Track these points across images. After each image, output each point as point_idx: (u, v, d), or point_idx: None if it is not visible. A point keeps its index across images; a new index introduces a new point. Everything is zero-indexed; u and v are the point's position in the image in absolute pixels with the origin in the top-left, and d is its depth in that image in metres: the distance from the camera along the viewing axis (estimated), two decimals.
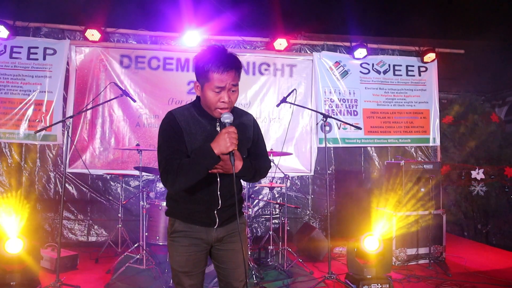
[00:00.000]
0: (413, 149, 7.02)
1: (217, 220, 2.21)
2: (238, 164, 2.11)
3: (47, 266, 4.68)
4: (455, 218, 7.37)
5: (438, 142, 7.04)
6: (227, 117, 2.05)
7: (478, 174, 7.04)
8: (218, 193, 2.18)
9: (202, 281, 2.32)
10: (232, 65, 2.06)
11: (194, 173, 2.02)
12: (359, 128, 4.74)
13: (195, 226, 2.22)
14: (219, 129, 2.14)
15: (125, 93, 4.39)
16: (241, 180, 2.42)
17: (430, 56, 6.84)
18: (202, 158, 2.01)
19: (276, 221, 6.32)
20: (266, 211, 6.48)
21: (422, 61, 6.95)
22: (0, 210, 5.83)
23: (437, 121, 7.05)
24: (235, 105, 2.30)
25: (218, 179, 2.17)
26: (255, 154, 2.33)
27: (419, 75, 7.02)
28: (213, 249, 2.31)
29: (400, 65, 6.98)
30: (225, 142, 1.98)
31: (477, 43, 7.73)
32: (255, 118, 2.41)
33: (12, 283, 3.78)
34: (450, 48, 7.17)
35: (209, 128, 2.14)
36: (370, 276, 4.19)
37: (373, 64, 6.88)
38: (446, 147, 7.51)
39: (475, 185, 7.10)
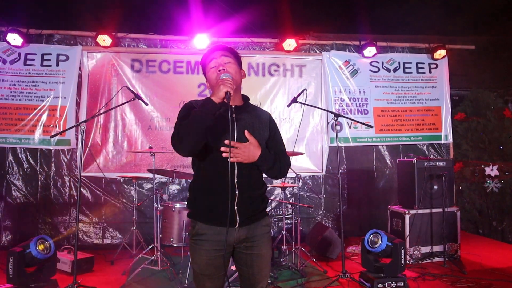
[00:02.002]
0: (425, 146, 6.97)
1: (238, 217, 2.16)
2: (257, 151, 2.17)
3: (64, 269, 4.75)
4: (470, 215, 7.31)
5: (450, 139, 6.98)
6: (224, 75, 2.17)
7: (492, 170, 6.97)
8: (235, 180, 2.13)
9: (223, 284, 2.29)
10: (219, 47, 2.35)
11: (197, 122, 2.05)
12: (371, 126, 4.73)
13: (216, 228, 2.17)
14: (230, 114, 2.12)
15: (137, 96, 4.44)
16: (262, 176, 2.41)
17: (441, 53, 6.79)
18: (202, 106, 2.08)
19: (289, 221, 6.32)
20: (279, 211, 6.50)
21: (433, 58, 6.90)
22: (18, 214, 5.98)
23: (449, 118, 6.98)
24: (252, 103, 2.42)
25: (236, 169, 2.15)
26: (273, 150, 2.34)
27: (430, 72, 6.97)
28: (235, 251, 2.27)
29: (410, 63, 6.94)
30: (218, 87, 2.08)
31: (488, 39, 7.68)
32: (277, 127, 2.49)
33: (32, 285, 3.86)
34: (461, 44, 7.11)
35: (222, 111, 2.16)
36: (384, 275, 4.19)
37: (382, 62, 6.86)
38: (459, 144, 7.46)
39: (489, 182, 7.04)
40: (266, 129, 2.35)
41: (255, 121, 2.31)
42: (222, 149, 2.11)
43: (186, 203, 4.69)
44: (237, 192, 2.14)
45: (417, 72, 6.95)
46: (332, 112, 4.45)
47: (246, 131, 2.17)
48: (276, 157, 2.30)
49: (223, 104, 2.10)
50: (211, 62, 2.30)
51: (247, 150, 2.14)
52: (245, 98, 2.41)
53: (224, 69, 2.23)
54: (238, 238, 2.21)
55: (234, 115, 2.21)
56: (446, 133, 6.97)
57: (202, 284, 2.24)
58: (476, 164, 7.17)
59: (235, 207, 2.15)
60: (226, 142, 2.10)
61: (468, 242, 6.19)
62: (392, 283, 4.11)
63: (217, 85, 2.10)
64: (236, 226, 2.18)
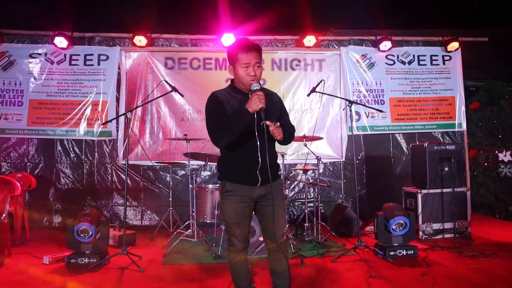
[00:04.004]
0: (440, 134, 7.32)
1: (260, 179, 2.73)
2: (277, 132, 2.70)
3: (111, 243, 5.35)
4: (485, 200, 7.62)
5: (464, 127, 7.29)
6: (255, 85, 2.66)
7: (505, 156, 7.30)
8: (259, 154, 2.69)
9: (248, 232, 2.87)
10: (252, 47, 2.71)
11: (235, 128, 2.61)
12: (382, 111, 5.10)
13: (242, 186, 2.76)
14: (264, 125, 2.65)
15: (174, 89, 5.03)
16: (275, 151, 2.96)
17: (454, 45, 7.13)
18: (240, 116, 2.62)
19: (311, 204, 6.80)
20: (302, 195, 7.00)
21: (446, 51, 7.25)
22: (67, 198, 6.67)
23: (463, 107, 7.31)
24: (264, 87, 2.91)
25: (258, 144, 2.68)
26: (283, 123, 2.87)
27: (444, 63, 7.33)
28: (257, 205, 2.84)
29: (425, 55, 7.31)
30: (255, 101, 2.58)
31: (500, 31, 7.97)
32: (283, 104, 3.07)
33: (86, 252, 4.51)
34: (474, 37, 7.44)
35: (244, 100, 2.70)
36: (396, 244, 4.66)
37: (398, 56, 7.26)
38: (473, 132, 7.78)
39: (503, 167, 7.36)
40: (278, 109, 2.92)
41: (270, 105, 2.79)
42: (271, 126, 2.65)
43: (217, 185, 5.27)
44: (260, 162, 2.69)
45: (431, 64, 7.32)
46: (346, 99, 4.94)
47: (262, 123, 2.66)
48: (286, 130, 2.82)
49: (257, 113, 2.60)
50: (245, 59, 2.67)
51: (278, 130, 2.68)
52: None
53: (254, 75, 2.70)
54: (259, 194, 2.78)
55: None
56: (460, 121, 7.29)
57: (233, 232, 2.80)
58: (489, 150, 7.50)
59: (257, 172, 2.72)
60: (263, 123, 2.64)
61: (481, 222, 6.52)
62: (403, 250, 4.59)
63: (254, 98, 2.58)
64: (258, 185, 2.75)
